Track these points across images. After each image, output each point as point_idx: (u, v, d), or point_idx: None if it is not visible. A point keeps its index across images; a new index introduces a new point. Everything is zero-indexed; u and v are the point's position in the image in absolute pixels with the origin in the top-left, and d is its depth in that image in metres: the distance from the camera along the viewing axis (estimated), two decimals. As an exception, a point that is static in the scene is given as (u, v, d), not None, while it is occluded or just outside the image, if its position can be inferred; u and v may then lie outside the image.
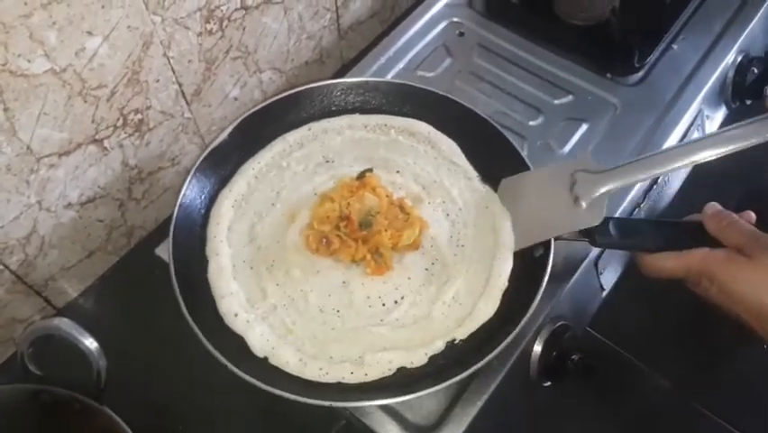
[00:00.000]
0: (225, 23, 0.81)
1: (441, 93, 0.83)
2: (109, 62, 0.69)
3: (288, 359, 0.65)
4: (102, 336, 0.64)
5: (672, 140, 0.88)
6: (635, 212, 0.85)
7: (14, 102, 0.63)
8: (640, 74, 0.94)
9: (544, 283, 0.66)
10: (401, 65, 0.96)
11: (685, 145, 0.67)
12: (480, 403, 0.68)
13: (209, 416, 0.74)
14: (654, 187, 0.87)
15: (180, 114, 0.83)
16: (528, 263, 0.71)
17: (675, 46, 0.97)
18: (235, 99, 0.91)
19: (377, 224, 0.72)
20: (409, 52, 0.98)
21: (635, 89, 0.93)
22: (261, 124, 0.81)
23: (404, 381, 0.64)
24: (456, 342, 0.67)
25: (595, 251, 0.80)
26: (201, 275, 0.71)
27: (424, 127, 0.83)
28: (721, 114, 1.00)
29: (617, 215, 0.81)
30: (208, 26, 0.79)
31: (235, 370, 0.61)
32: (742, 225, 0.64)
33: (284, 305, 0.70)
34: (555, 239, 0.69)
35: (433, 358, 0.66)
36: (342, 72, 1.05)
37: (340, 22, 1.02)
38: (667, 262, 0.66)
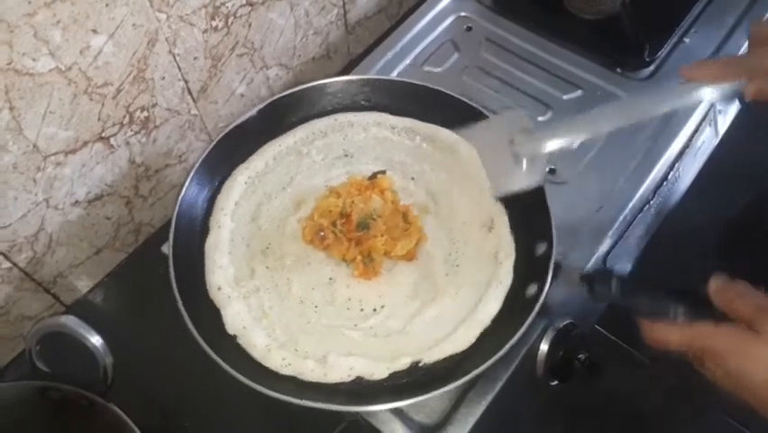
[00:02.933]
0: (231, 19, 0.80)
1: (475, 106, 0.79)
2: (114, 60, 0.69)
3: (256, 343, 0.65)
4: (111, 332, 0.64)
5: (683, 136, 0.87)
6: (644, 209, 0.84)
7: (20, 101, 0.63)
8: (651, 68, 0.93)
9: (523, 329, 0.63)
10: (408, 60, 0.96)
11: (623, 103, 0.64)
12: (485, 403, 0.67)
13: (215, 414, 0.74)
14: (665, 183, 0.86)
15: (187, 111, 0.83)
16: (516, 303, 0.69)
17: (687, 40, 0.96)
18: (242, 96, 0.90)
19: (374, 228, 0.71)
20: (416, 48, 0.97)
21: (645, 84, 0.91)
22: (290, 108, 0.81)
23: (359, 390, 0.64)
24: (421, 364, 0.65)
25: (605, 246, 0.79)
26: (200, 245, 0.72)
27: (448, 135, 0.80)
28: (734, 108, 0.98)
29: (626, 210, 0.80)
30: (214, 23, 0.78)
31: (196, 335, 0.62)
32: (750, 296, 0.56)
33: (267, 288, 0.70)
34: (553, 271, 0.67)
35: (393, 375, 0.65)
36: (348, 68, 1.04)
37: (347, 17, 1.01)
38: (671, 335, 0.58)
